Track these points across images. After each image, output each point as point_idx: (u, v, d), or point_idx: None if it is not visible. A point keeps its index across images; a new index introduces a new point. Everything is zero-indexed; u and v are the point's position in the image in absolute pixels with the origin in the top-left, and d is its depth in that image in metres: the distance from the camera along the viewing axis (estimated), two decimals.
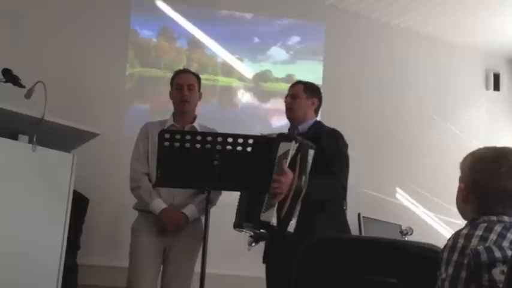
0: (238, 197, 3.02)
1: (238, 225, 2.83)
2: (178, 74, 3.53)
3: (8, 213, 2.71)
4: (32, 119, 2.76)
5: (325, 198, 2.92)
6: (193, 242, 3.30)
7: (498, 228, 1.71)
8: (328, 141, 2.94)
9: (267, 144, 2.72)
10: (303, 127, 3.15)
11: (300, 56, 5.28)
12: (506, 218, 1.75)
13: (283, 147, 2.70)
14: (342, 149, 3.03)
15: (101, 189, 4.36)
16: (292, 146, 2.70)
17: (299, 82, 3.30)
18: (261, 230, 2.76)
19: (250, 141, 2.57)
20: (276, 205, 2.68)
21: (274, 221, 2.66)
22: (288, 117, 3.23)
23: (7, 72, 2.94)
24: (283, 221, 2.69)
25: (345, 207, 3.17)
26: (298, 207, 2.73)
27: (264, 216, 2.66)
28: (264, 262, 3.10)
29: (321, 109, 3.28)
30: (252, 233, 2.85)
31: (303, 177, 2.73)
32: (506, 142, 5.11)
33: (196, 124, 3.44)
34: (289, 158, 2.69)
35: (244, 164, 2.59)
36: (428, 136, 5.63)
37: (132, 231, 3.37)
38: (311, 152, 2.78)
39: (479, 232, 1.70)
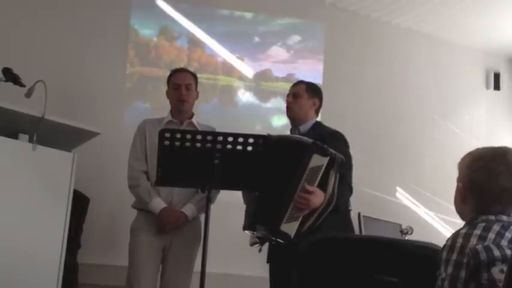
0: (238, 196, 3.03)
1: (249, 228, 2.82)
2: (176, 73, 3.53)
3: (8, 212, 2.71)
4: (32, 118, 2.76)
5: (344, 202, 2.95)
6: (192, 241, 3.31)
7: (496, 227, 1.71)
8: (333, 143, 2.92)
9: (294, 147, 2.73)
10: (304, 127, 3.15)
11: (300, 55, 5.28)
12: (504, 218, 1.75)
13: (316, 159, 2.68)
14: (346, 151, 3.03)
15: (101, 188, 4.36)
16: (326, 162, 2.69)
17: (301, 82, 3.30)
18: (278, 239, 2.74)
19: (251, 140, 2.58)
20: (300, 219, 2.68)
21: (293, 234, 2.66)
22: (289, 116, 3.23)
23: (7, 71, 2.94)
24: (304, 233, 2.69)
25: (350, 208, 3.18)
26: (320, 219, 2.74)
27: (285, 227, 2.65)
28: (268, 262, 3.10)
29: (320, 108, 3.28)
30: (262, 236, 2.84)
31: (334, 191, 2.73)
32: (507, 141, 5.12)
33: (194, 120, 3.44)
34: (320, 174, 2.68)
35: (246, 163, 2.59)
36: (428, 135, 5.63)
37: (132, 230, 3.37)
38: (341, 164, 2.77)
39: (478, 231, 1.70)
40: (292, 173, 2.69)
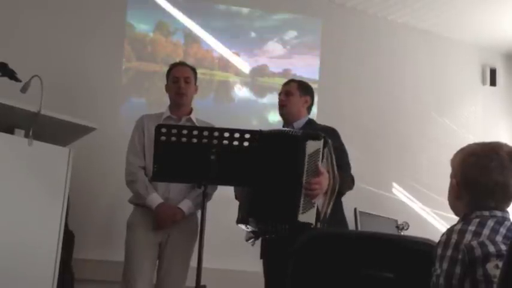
0: (234, 192, 3.03)
1: (242, 221, 2.82)
2: (175, 66, 3.53)
3: (3, 207, 2.71)
4: (28, 113, 2.75)
5: (347, 190, 3.02)
6: (189, 237, 3.31)
7: (491, 223, 1.71)
8: (330, 137, 2.94)
9: (287, 140, 2.75)
10: (298, 124, 3.20)
11: (297, 51, 5.27)
12: (498, 213, 1.76)
13: (311, 146, 2.70)
14: (343, 145, 3.10)
15: (98, 183, 4.35)
16: (322, 145, 2.71)
17: (292, 80, 3.38)
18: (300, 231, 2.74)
19: (247, 135, 2.58)
20: (316, 206, 2.69)
21: (313, 221, 2.67)
22: (281, 114, 3.29)
23: (3, 67, 2.94)
24: (323, 219, 2.73)
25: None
26: (332, 203, 2.77)
27: (303, 218, 2.66)
28: (261, 258, 3.10)
29: (317, 104, 3.30)
30: (255, 229, 2.84)
31: (334, 173, 2.78)
32: (503, 137, 5.12)
33: (192, 116, 3.44)
34: (320, 157, 2.70)
35: (242, 158, 2.59)
36: (425, 131, 5.63)
37: (128, 225, 3.37)
38: (331, 146, 2.80)
39: (472, 227, 1.70)
40: (293, 164, 2.70)
